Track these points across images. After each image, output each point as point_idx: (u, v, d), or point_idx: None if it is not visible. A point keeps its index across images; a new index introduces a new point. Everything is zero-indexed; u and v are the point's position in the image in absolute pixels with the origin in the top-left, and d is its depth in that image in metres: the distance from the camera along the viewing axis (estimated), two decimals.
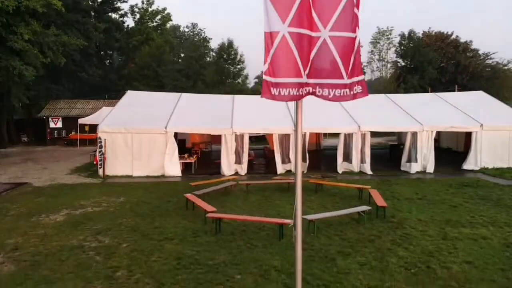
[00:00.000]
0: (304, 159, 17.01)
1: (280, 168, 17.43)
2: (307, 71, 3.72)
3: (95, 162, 17.60)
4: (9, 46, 23.51)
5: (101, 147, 16.73)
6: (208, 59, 47.85)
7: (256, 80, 59.99)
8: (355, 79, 3.81)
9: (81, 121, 28.05)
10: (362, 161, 17.45)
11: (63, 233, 9.35)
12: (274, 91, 3.64)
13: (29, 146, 31.10)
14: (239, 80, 44.62)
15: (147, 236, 9.00)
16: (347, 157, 17.63)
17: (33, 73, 24.69)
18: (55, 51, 26.84)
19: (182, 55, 50.62)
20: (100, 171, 16.78)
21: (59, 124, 31.96)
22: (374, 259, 7.55)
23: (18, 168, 19.63)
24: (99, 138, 16.79)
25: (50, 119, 32.11)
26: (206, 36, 52.82)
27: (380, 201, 10.80)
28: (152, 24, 49.92)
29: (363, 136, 17.35)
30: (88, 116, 28.42)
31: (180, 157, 17.64)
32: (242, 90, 40.44)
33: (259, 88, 53.54)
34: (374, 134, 18.68)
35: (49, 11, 25.46)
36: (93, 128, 21.45)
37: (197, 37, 53.73)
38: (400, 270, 7.03)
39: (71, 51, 31.19)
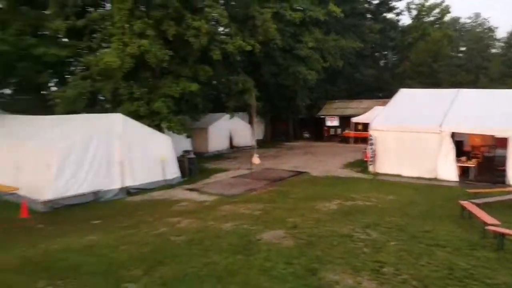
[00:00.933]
0: None
1: None
2: None
3: (365, 159, 18.24)
4: (295, 54, 27.46)
5: (372, 144, 17.18)
6: (493, 50, 41.44)
7: None
8: None
9: (354, 120, 29.98)
10: None
11: (334, 220, 10.09)
12: None
13: (309, 141, 35.41)
14: None
15: (416, 239, 8.52)
16: None
17: (315, 77, 27.96)
18: (334, 55, 29.48)
19: (462, 48, 45.67)
20: (371, 168, 17.26)
21: (335, 123, 34.86)
22: None
23: (299, 159, 22.70)
24: (371, 136, 17.31)
25: (326, 118, 35.53)
26: (491, 26, 45.83)
27: None
28: (429, 19, 47.18)
29: None
30: (360, 115, 29.89)
31: (457, 160, 15.89)
32: None
33: None
34: None
35: (330, 18, 28.14)
36: (365, 126, 22.36)
37: (480, 27, 47.34)
38: None
39: (348, 54, 33.46)
